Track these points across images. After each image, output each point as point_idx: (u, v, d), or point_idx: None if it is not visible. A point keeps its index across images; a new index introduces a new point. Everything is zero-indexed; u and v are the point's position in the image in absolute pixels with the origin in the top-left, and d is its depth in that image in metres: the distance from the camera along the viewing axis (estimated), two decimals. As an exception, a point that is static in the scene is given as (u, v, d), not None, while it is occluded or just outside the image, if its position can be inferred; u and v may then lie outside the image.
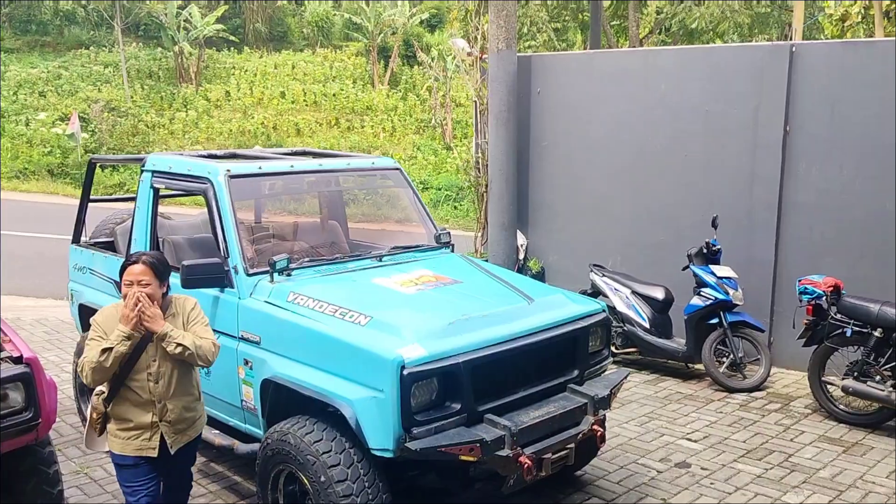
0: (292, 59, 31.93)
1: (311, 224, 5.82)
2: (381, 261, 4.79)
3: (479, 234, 8.59)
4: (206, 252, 4.81)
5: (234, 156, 5.41)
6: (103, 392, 3.51)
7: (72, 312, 5.89)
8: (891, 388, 5.38)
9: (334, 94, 29.05)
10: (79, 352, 5.47)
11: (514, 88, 7.87)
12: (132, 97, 26.84)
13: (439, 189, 18.28)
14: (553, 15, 17.03)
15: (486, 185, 8.20)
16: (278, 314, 4.08)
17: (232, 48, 32.17)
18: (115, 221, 5.96)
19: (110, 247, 5.71)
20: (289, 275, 4.37)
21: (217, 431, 4.54)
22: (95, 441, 3.72)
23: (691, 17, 13.76)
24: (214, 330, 4.42)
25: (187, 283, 4.22)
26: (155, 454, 3.49)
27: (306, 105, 28.65)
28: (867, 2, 10.24)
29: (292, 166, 5.00)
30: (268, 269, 4.32)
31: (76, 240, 5.81)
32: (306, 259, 4.63)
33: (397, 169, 5.44)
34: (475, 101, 8.55)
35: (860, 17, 10.23)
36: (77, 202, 5.95)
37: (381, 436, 3.53)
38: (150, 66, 29.82)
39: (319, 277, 4.44)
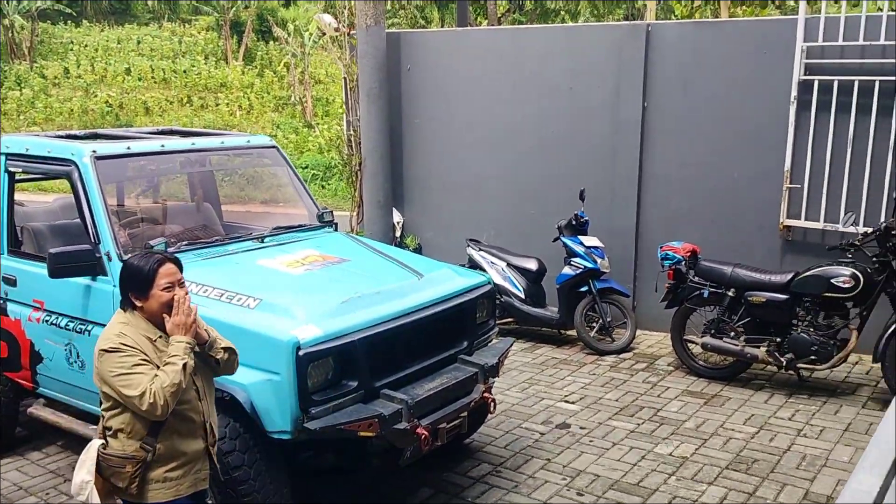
0: (137, 34, 30.24)
1: (182, 206, 5.59)
2: (262, 242, 4.69)
3: (354, 213, 8.54)
4: (72, 239, 4.52)
5: (95, 136, 5.11)
6: (103, 442, 2.87)
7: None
8: (743, 343, 5.88)
9: (185, 71, 27.80)
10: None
11: (384, 65, 7.84)
12: (-44, 74, 24.49)
13: (304, 168, 17.99)
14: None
15: (360, 163, 8.16)
16: (159, 301, 3.90)
17: (69, 21, 30.00)
18: (-39, 209, 5.45)
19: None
20: (167, 259, 4.18)
21: (95, 427, 4.30)
22: None
23: (548, -5, 14.18)
24: (86, 321, 4.24)
25: (55, 273, 3.98)
26: (207, 484, 3.02)
27: (155, 82, 27.27)
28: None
29: (163, 146, 4.78)
30: (144, 254, 4.12)
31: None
32: (184, 243, 4.46)
33: (274, 147, 5.32)
34: (345, 78, 8.46)
35: (707, -3, 10.99)
36: None
37: (278, 418, 3.49)
38: (-24, 41, 27.30)
39: (200, 261, 4.28)
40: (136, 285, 2.87)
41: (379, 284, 4.09)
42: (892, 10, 6.14)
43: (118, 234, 4.23)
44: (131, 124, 22.97)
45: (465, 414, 4.09)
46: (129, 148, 4.57)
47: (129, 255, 2.95)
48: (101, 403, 2.91)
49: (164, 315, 2.84)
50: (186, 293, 2.89)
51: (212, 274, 4.06)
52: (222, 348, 3.00)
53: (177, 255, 4.20)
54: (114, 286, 4.07)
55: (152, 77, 27.25)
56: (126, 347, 2.77)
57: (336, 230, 5.16)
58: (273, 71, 28.72)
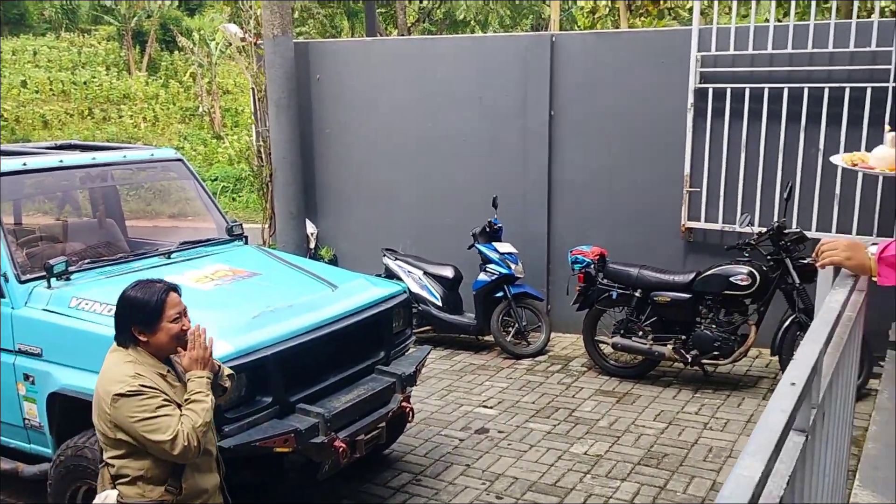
0: (33, 45, 28.92)
1: (84, 223, 5.40)
2: (169, 258, 4.58)
3: (266, 225, 8.42)
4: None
5: (-12, 152, 4.87)
6: (118, 492, 2.69)
7: None
8: (651, 341, 6.09)
9: (85, 83, 26.71)
10: None
11: (292, 75, 7.77)
12: None
13: (214, 180, 17.58)
14: (322, 2, 16.99)
15: (271, 174, 8.05)
16: (61, 322, 3.78)
17: (-43, 31, 28.44)
18: None
19: None
20: (68, 279, 4.05)
21: (-4, 456, 4.11)
22: None
23: (457, 7, 14.37)
24: (-17, 346, 4.03)
25: (-53, 296, 3.78)
26: None
27: (53, 95, 26.10)
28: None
29: (62, 161, 4.61)
30: (43, 274, 3.97)
31: None
32: (86, 261, 4.31)
33: (179, 160, 5.21)
34: (253, 88, 8.33)
35: (607, 9, 11.35)
36: None
37: (190, 438, 3.40)
38: None
39: (104, 280, 4.16)
40: (141, 319, 2.71)
41: (292, 297, 4.06)
42: (779, 21, 6.48)
43: (15, 253, 4.07)
44: (28, 139, 21.94)
45: (383, 424, 4.10)
46: (25, 164, 4.39)
47: (130, 287, 2.80)
48: (102, 451, 2.76)
49: (179, 349, 2.72)
50: (190, 322, 2.79)
51: (117, 292, 3.92)
52: (227, 374, 2.94)
53: (77, 273, 4.10)
54: (12, 309, 3.92)
55: (50, 89, 26.09)
56: (147, 389, 2.59)
57: (246, 243, 5.08)
58: (179, 81, 27.96)
